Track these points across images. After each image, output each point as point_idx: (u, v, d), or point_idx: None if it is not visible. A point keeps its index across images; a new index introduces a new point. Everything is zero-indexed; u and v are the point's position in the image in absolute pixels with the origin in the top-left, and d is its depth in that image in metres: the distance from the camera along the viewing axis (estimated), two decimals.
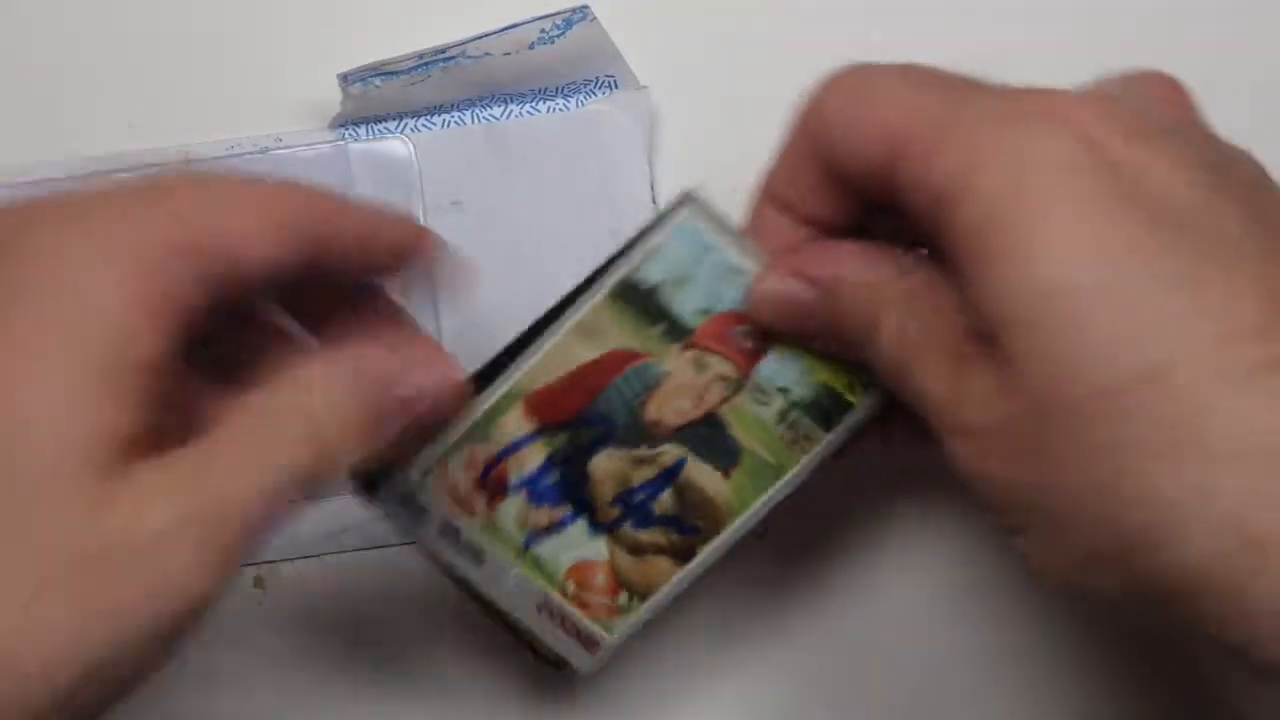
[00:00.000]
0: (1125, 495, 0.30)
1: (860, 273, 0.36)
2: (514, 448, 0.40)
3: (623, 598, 0.41)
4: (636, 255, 0.39)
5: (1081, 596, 0.34)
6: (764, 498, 0.40)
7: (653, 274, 0.39)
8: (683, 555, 0.41)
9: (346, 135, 0.45)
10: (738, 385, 0.40)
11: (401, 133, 0.46)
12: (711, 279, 0.39)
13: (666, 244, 0.39)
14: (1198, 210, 0.31)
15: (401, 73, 0.43)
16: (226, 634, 0.45)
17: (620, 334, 0.39)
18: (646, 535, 0.41)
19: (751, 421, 0.40)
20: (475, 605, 0.41)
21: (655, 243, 0.39)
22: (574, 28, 0.43)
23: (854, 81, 0.35)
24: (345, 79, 0.43)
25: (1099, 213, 0.31)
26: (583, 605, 0.41)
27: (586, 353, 0.39)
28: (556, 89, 0.46)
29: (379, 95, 0.44)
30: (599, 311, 0.39)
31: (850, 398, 0.40)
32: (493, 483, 0.40)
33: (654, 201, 0.46)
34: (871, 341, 0.36)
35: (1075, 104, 0.32)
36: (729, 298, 0.39)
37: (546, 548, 0.40)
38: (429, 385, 0.36)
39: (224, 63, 0.47)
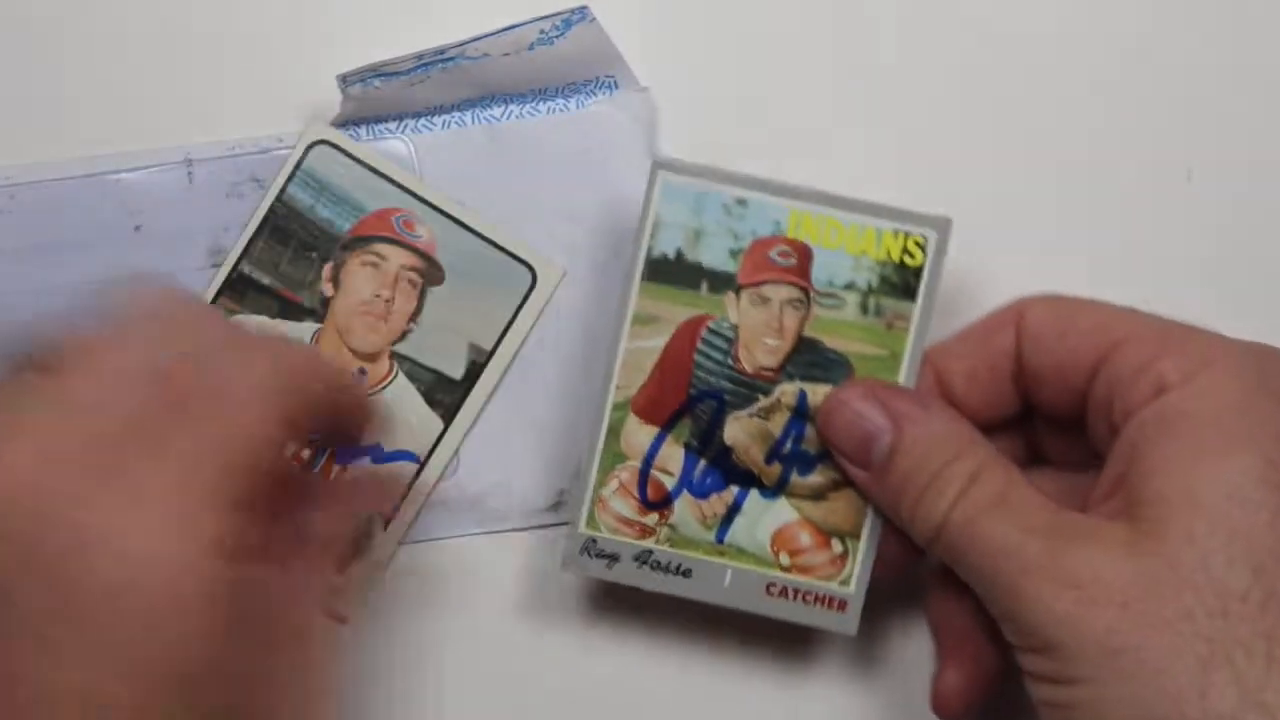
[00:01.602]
0: (1220, 690, 0.33)
1: (941, 423, 0.39)
2: (650, 457, 0.41)
3: (836, 545, 0.41)
4: (645, 236, 0.41)
5: None
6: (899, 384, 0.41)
7: (668, 243, 0.41)
8: None
9: (347, 135, 0.45)
10: (806, 300, 0.41)
11: (401, 133, 0.46)
12: (720, 221, 0.41)
13: (662, 211, 0.41)
14: None
15: (401, 73, 0.43)
16: None
17: (673, 309, 0.41)
18: (818, 477, 0.41)
19: (840, 326, 0.41)
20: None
21: (653, 217, 0.41)
22: (573, 28, 0.43)
23: (1059, 299, 0.40)
24: (345, 80, 0.43)
25: None
26: (806, 570, 0.41)
27: (656, 340, 0.41)
28: (557, 89, 0.46)
29: (379, 95, 0.44)
30: (644, 300, 0.41)
31: (914, 260, 0.41)
32: (654, 498, 0.41)
33: None
34: (928, 492, 0.37)
35: None
36: (747, 229, 0.41)
37: (738, 534, 0.41)
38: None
39: (224, 63, 0.46)
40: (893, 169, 0.46)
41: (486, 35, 0.43)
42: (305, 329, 0.45)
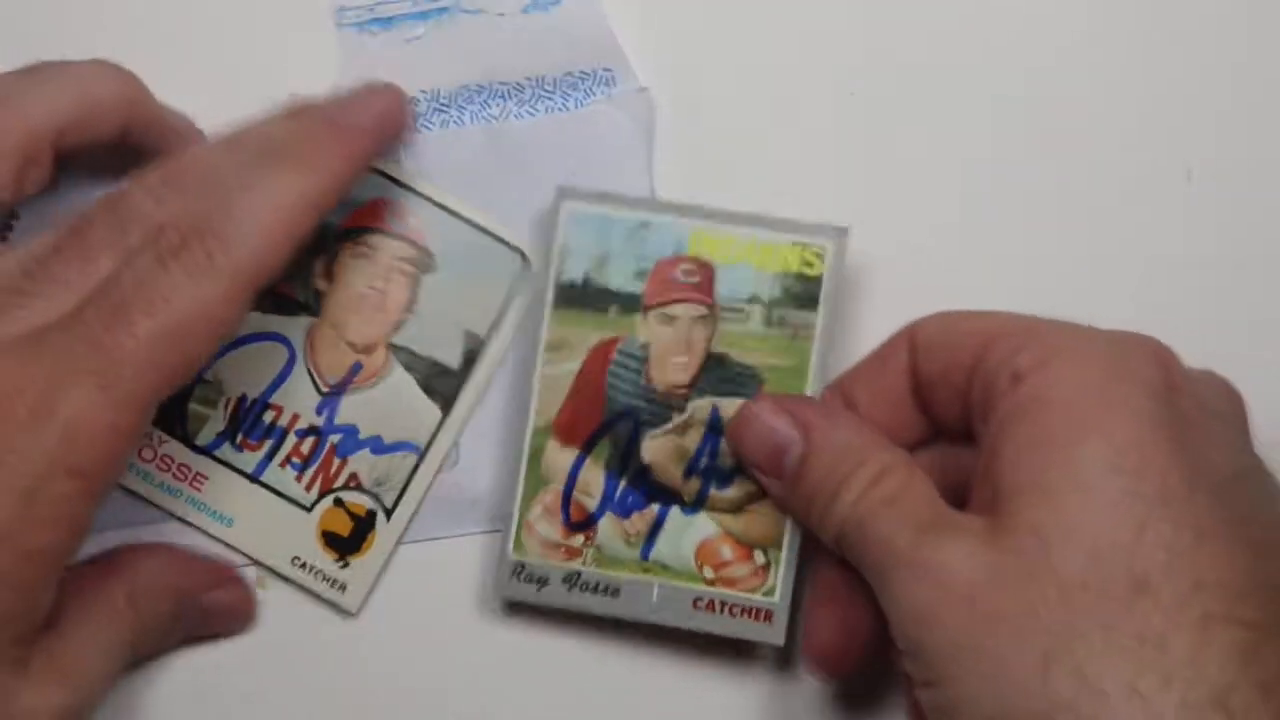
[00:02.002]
0: (1060, 682, 0.32)
1: (848, 431, 0.39)
2: (572, 479, 0.42)
3: (759, 557, 0.41)
4: (554, 263, 0.42)
5: None
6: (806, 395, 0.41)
7: (575, 269, 0.42)
8: None
9: None
10: (712, 317, 0.42)
11: None
12: (625, 245, 0.42)
13: (569, 237, 0.42)
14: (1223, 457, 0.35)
15: (397, 19, 0.43)
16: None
17: (584, 332, 0.42)
18: (736, 490, 0.42)
19: (747, 340, 0.42)
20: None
21: (560, 243, 0.42)
22: None
23: (949, 313, 0.40)
24: (341, 14, 0.43)
25: (1148, 428, 0.34)
26: (730, 583, 0.41)
27: (570, 364, 0.42)
28: (555, 83, 0.45)
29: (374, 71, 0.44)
30: (555, 325, 0.42)
31: (813, 270, 0.41)
32: (578, 520, 0.42)
33: None
34: (836, 497, 0.38)
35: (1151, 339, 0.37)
36: (651, 250, 0.42)
37: (663, 550, 0.42)
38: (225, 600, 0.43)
39: (223, 61, 0.46)
40: (894, 167, 0.46)
41: None
42: (300, 323, 0.44)
